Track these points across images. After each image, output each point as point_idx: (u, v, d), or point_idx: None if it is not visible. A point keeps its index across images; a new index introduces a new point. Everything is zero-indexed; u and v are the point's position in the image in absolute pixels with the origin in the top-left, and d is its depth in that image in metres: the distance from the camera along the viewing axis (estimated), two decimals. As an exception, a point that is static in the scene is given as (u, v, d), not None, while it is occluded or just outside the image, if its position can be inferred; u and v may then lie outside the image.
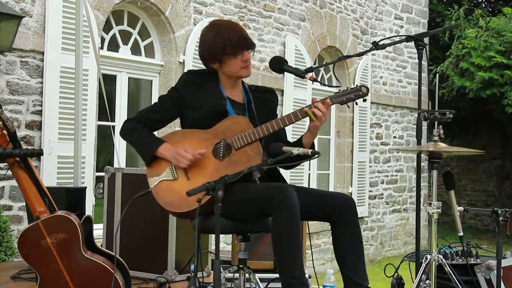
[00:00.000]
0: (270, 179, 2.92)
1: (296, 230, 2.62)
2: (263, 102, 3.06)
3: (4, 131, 2.98)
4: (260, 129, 2.81)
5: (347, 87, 2.88)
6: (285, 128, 2.91)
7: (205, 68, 3.03)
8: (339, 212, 2.80)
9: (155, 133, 3.09)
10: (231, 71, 2.94)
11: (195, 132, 2.89)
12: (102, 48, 5.91)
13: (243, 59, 2.91)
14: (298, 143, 2.95)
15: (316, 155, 2.62)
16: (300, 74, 3.01)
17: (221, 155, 2.82)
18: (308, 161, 2.76)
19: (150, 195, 2.87)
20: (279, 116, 2.90)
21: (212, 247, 3.83)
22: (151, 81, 6.56)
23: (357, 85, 2.88)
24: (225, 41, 2.86)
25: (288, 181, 3.23)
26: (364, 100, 2.84)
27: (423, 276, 3.09)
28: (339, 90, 2.89)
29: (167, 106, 2.97)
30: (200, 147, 2.82)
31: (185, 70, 6.41)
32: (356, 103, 2.86)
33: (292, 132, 6.63)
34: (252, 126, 2.84)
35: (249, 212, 2.72)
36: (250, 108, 3.00)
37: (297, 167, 2.97)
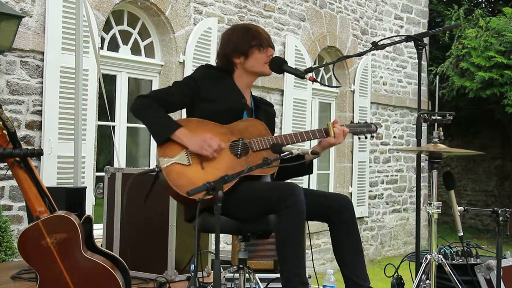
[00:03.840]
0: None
1: (301, 228, 2.63)
2: (265, 113, 3.12)
3: (4, 131, 2.98)
4: (279, 138, 2.88)
5: (358, 122, 3.12)
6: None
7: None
8: (337, 212, 2.82)
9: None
10: (255, 66, 2.98)
11: (210, 123, 2.87)
12: (102, 48, 5.91)
13: (268, 54, 2.99)
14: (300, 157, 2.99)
15: (316, 155, 2.63)
16: (299, 74, 3.03)
17: (238, 153, 2.84)
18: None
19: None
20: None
21: (212, 247, 3.83)
22: (151, 81, 6.57)
23: (371, 123, 3.10)
24: (254, 35, 2.97)
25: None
26: (372, 137, 3.15)
27: (423, 276, 3.09)
28: (353, 121, 3.18)
29: (182, 92, 2.94)
30: (217, 140, 2.82)
31: (185, 70, 6.42)
32: (366, 137, 3.08)
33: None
34: (269, 132, 2.92)
35: (254, 210, 2.72)
36: (257, 115, 3.05)
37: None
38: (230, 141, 2.86)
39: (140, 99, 2.92)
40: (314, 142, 3.11)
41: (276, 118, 3.50)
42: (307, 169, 3.04)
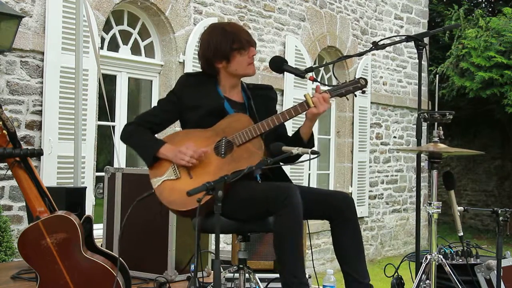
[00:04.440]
0: (274, 177, 2.93)
1: (299, 229, 2.62)
2: (263, 99, 3.07)
3: (4, 131, 2.98)
4: (260, 125, 2.82)
5: (346, 80, 2.92)
6: (285, 123, 2.93)
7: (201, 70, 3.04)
8: (338, 210, 2.81)
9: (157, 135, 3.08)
10: (238, 69, 2.94)
11: (196, 131, 2.89)
12: (102, 48, 5.91)
13: (250, 55, 2.94)
14: (296, 134, 2.95)
15: (316, 155, 2.62)
16: (300, 74, 3.01)
17: (222, 152, 2.83)
18: (308, 161, 2.73)
19: (153, 196, 2.87)
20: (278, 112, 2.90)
21: (212, 247, 3.83)
22: (151, 81, 6.57)
23: (355, 78, 2.92)
24: (234, 37, 2.90)
25: (288, 181, 3.22)
26: (363, 92, 2.86)
27: (423, 276, 3.09)
28: (338, 83, 2.91)
29: (166, 109, 2.97)
30: (203, 145, 2.82)
31: (185, 70, 6.42)
32: (355, 95, 2.89)
33: (292, 128, 6.62)
34: (253, 122, 2.85)
35: (252, 211, 2.72)
36: (250, 106, 3.01)
37: (297, 167, 2.98)
38: (215, 142, 2.85)
39: (126, 127, 2.99)
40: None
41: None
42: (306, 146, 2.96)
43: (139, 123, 2.96)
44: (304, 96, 2.86)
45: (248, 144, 2.81)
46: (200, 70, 3.06)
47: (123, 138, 2.99)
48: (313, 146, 2.98)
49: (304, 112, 2.88)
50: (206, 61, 2.96)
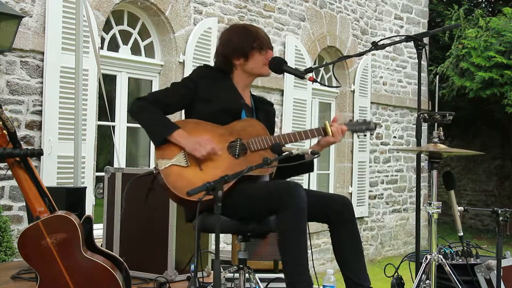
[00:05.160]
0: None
1: (303, 226, 2.63)
2: (266, 113, 3.13)
3: (4, 131, 2.98)
4: (277, 137, 2.87)
5: (357, 120, 3.10)
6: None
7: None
8: (337, 214, 2.82)
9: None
10: (254, 67, 2.99)
11: (208, 125, 2.88)
12: (102, 48, 5.91)
13: (267, 56, 3.00)
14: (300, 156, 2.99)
15: (316, 155, 2.63)
16: (299, 74, 3.03)
17: (236, 153, 2.84)
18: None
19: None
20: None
21: (212, 247, 3.83)
22: (151, 81, 6.57)
23: (370, 121, 3.08)
24: (254, 36, 2.98)
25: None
26: (371, 134, 3.08)
27: (423, 276, 3.09)
28: (352, 119, 3.13)
29: (180, 92, 2.95)
30: (216, 141, 2.83)
31: (185, 70, 6.42)
32: (365, 135, 3.10)
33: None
34: (267, 132, 2.91)
35: (256, 209, 2.72)
36: (257, 114, 3.05)
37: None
38: (228, 141, 2.86)
39: (138, 101, 2.93)
40: (314, 141, 3.11)
41: (276, 118, 3.49)
42: (308, 167, 3.04)
43: (150, 100, 2.91)
44: (324, 124, 2.95)
45: (263, 152, 2.84)
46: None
47: (133, 112, 2.93)
48: (313, 169, 3.09)
49: (317, 138, 2.98)
50: (223, 57, 3.00)
